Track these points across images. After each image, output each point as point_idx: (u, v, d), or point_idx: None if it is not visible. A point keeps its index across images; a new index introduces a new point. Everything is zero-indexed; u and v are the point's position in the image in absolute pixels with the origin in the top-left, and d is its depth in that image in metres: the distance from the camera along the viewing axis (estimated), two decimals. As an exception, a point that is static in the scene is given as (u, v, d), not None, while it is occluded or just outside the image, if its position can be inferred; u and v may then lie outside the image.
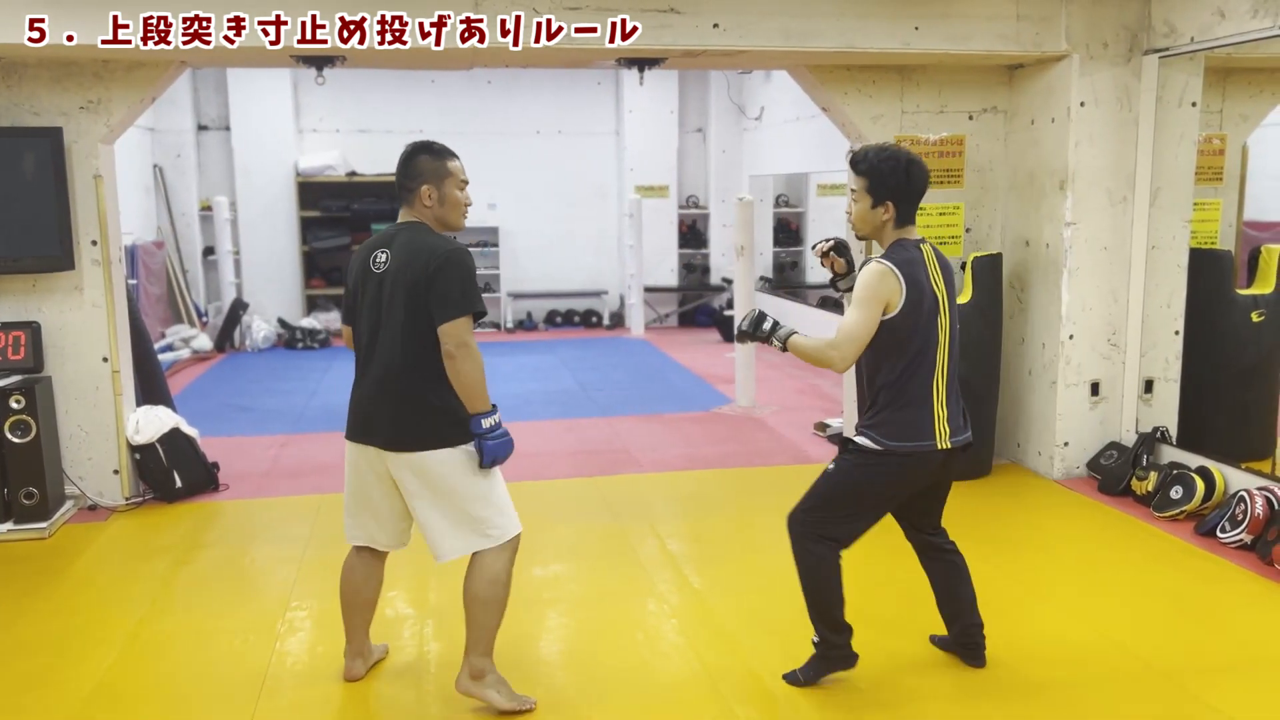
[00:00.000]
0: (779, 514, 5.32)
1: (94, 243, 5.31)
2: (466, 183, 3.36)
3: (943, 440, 3.27)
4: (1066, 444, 5.80)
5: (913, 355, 3.24)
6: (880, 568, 4.23)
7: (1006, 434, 6.17)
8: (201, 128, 11.66)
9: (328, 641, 3.91)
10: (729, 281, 12.02)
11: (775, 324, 3.32)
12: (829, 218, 11.97)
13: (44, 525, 5.06)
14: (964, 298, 5.75)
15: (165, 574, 4.62)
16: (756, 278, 10.35)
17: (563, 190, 12.56)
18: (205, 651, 3.85)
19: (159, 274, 10.50)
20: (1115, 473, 5.56)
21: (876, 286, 3.19)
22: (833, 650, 3.48)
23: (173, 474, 5.59)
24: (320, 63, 5.10)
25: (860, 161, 3.32)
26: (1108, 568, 4.64)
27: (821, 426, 7.02)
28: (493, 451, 3.19)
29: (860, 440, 3.30)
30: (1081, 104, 5.52)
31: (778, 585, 4.39)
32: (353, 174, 11.69)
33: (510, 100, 12.21)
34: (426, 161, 3.29)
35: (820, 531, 3.39)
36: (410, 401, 3.20)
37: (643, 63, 5.43)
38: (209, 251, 11.51)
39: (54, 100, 5.21)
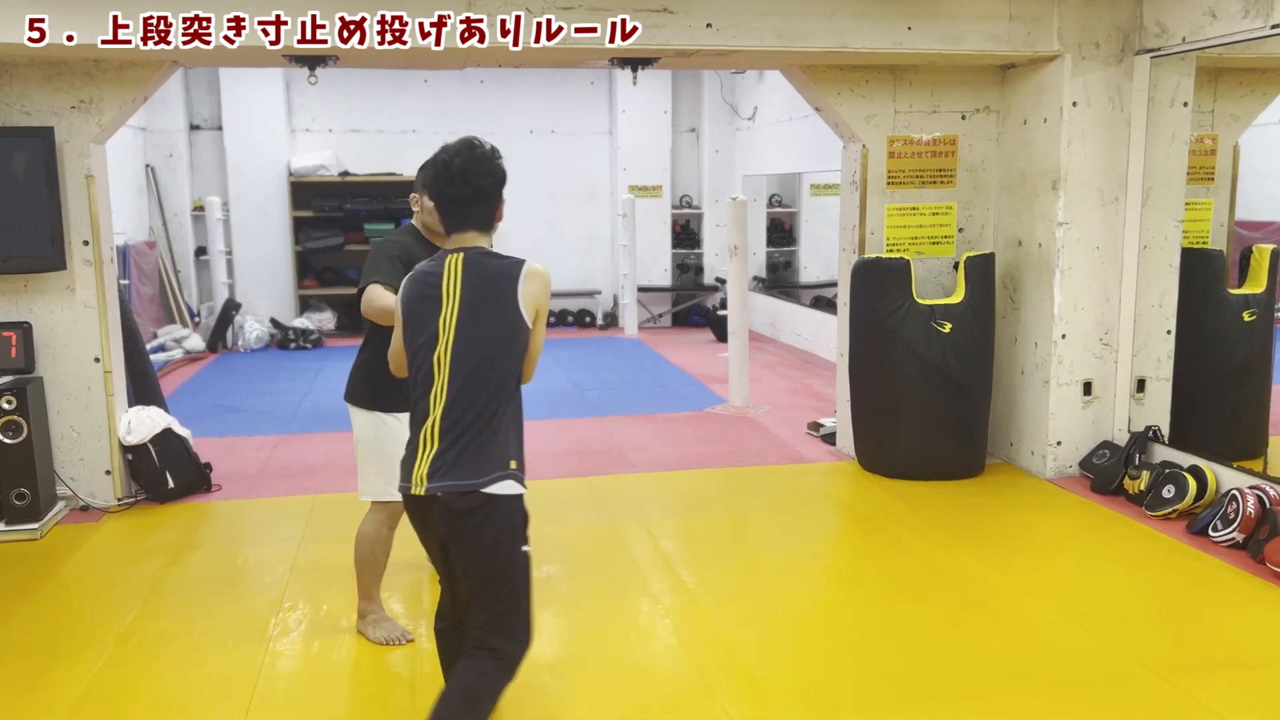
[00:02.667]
0: (773, 513, 5.32)
1: (85, 243, 5.30)
2: None
3: (418, 484, 2.72)
4: (1059, 443, 5.81)
5: (415, 378, 2.79)
6: (869, 568, 4.22)
7: (999, 433, 6.18)
8: (194, 127, 11.62)
9: (321, 642, 3.91)
10: (722, 281, 12.01)
11: None
12: (822, 217, 11.99)
13: (35, 526, 5.05)
14: (956, 297, 5.76)
15: (157, 575, 4.61)
16: (750, 278, 10.36)
17: (556, 190, 12.54)
18: (197, 653, 3.85)
19: (151, 274, 10.47)
20: (1108, 472, 5.57)
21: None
22: None
23: (165, 475, 5.58)
24: (313, 62, 5.09)
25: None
26: (1100, 566, 4.65)
27: (815, 426, 7.02)
28: None
29: None
30: (1074, 104, 5.53)
31: (771, 585, 4.40)
32: (345, 174, 11.67)
33: (503, 100, 12.20)
34: (423, 174, 3.59)
35: None
36: (355, 365, 3.90)
37: (636, 62, 5.43)
38: (201, 251, 11.49)
39: (45, 100, 5.19)
